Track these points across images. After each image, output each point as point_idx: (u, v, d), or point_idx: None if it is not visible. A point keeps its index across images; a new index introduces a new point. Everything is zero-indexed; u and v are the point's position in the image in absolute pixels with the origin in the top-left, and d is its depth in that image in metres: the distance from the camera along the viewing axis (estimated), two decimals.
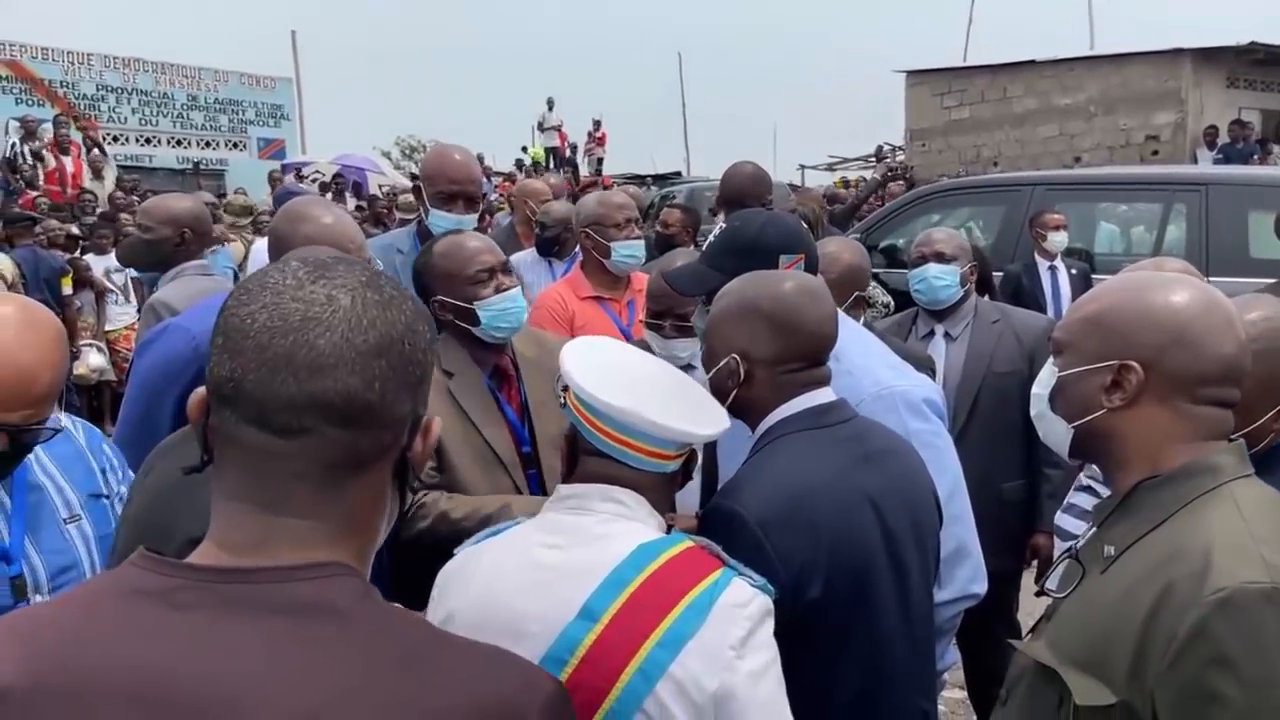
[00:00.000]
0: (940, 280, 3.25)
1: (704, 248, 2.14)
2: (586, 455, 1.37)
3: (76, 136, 13.76)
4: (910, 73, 19.00)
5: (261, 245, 7.99)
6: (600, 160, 22.03)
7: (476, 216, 3.09)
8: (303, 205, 2.30)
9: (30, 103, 16.03)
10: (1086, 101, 16.60)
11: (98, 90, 17.62)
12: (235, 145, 19.37)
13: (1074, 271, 5.72)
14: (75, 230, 8.57)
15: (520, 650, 0.94)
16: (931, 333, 3.30)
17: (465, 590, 1.32)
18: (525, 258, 4.38)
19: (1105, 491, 1.43)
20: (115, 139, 17.14)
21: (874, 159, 20.19)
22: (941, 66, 19.09)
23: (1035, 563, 3.23)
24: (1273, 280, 3.64)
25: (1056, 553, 2.55)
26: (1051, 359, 1.41)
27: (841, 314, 2.15)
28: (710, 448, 2.12)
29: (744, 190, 3.40)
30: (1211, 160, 13.61)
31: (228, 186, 15.78)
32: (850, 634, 1.57)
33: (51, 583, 1.68)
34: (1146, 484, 1.28)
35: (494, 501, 2.10)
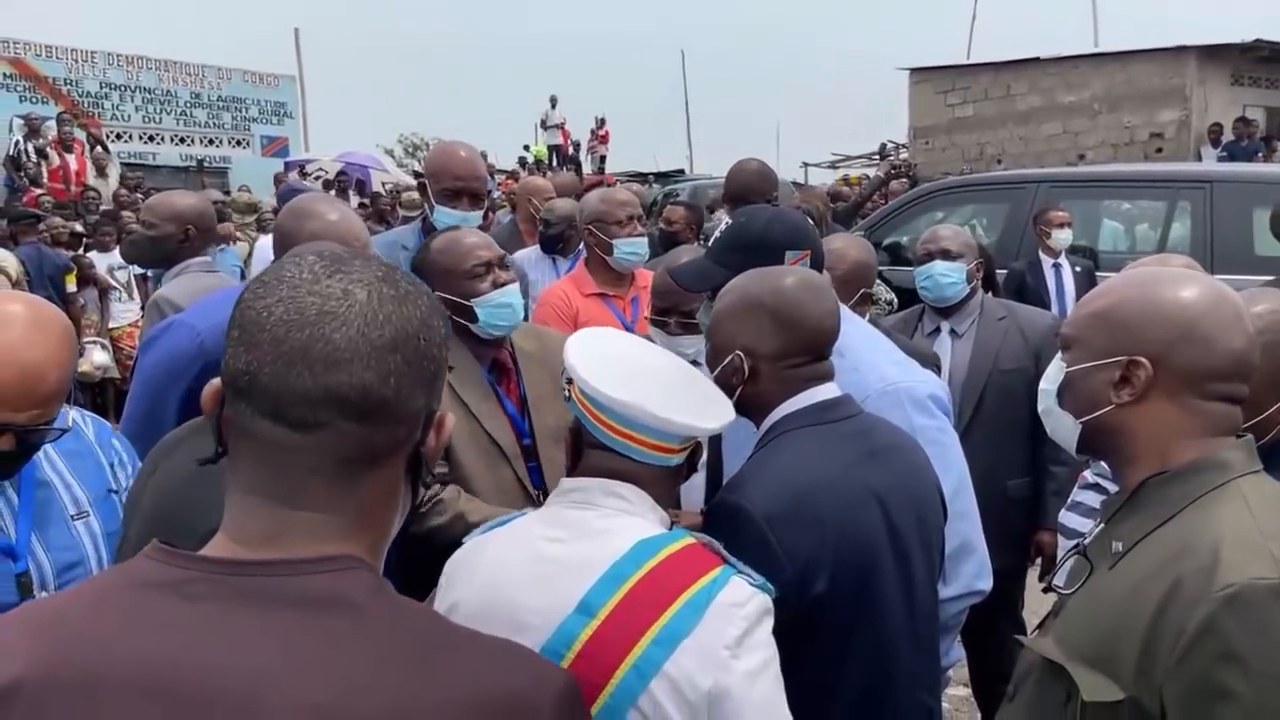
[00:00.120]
0: (946, 277, 3.24)
1: (710, 243, 2.13)
2: (590, 448, 1.37)
3: (80, 134, 13.77)
4: (914, 70, 18.98)
5: (265, 243, 8.01)
6: (603, 158, 22.04)
7: (482, 213, 3.09)
8: (309, 202, 2.31)
9: (34, 100, 16.04)
10: (1090, 99, 16.58)
11: (101, 88, 17.62)
12: (238, 143, 19.37)
13: (1078, 269, 5.72)
14: (79, 228, 8.59)
15: (521, 642, 0.95)
16: (937, 329, 3.30)
17: (470, 580, 1.33)
18: (529, 255, 4.39)
19: (1113, 488, 1.42)
20: (119, 136, 17.13)
21: (877, 157, 20.18)
22: (945, 64, 19.08)
23: (1039, 560, 3.23)
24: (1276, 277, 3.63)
25: (1060, 550, 2.54)
26: (1059, 354, 1.41)
27: (848, 311, 2.15)
28: (715, 444, 2.12)
29: (749, 187, 3.39)
30: (1216, 158, 13.59)
31: (231, 184, 15.77)
32: (855, 630, 1.56)
33: (57, 579, 1.68)
34: (1155, 480, 1.28)
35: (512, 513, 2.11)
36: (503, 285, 2.25)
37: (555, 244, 4.35)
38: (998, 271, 5.14)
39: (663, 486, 1.39)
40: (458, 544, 1.43)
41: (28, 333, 1.57)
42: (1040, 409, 1.45)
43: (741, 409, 1.64)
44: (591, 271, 3.51)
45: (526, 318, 2.78)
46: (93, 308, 7.81)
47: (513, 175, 15.44)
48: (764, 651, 1.25)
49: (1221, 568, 1.13)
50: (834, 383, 1.69)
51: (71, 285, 7.51)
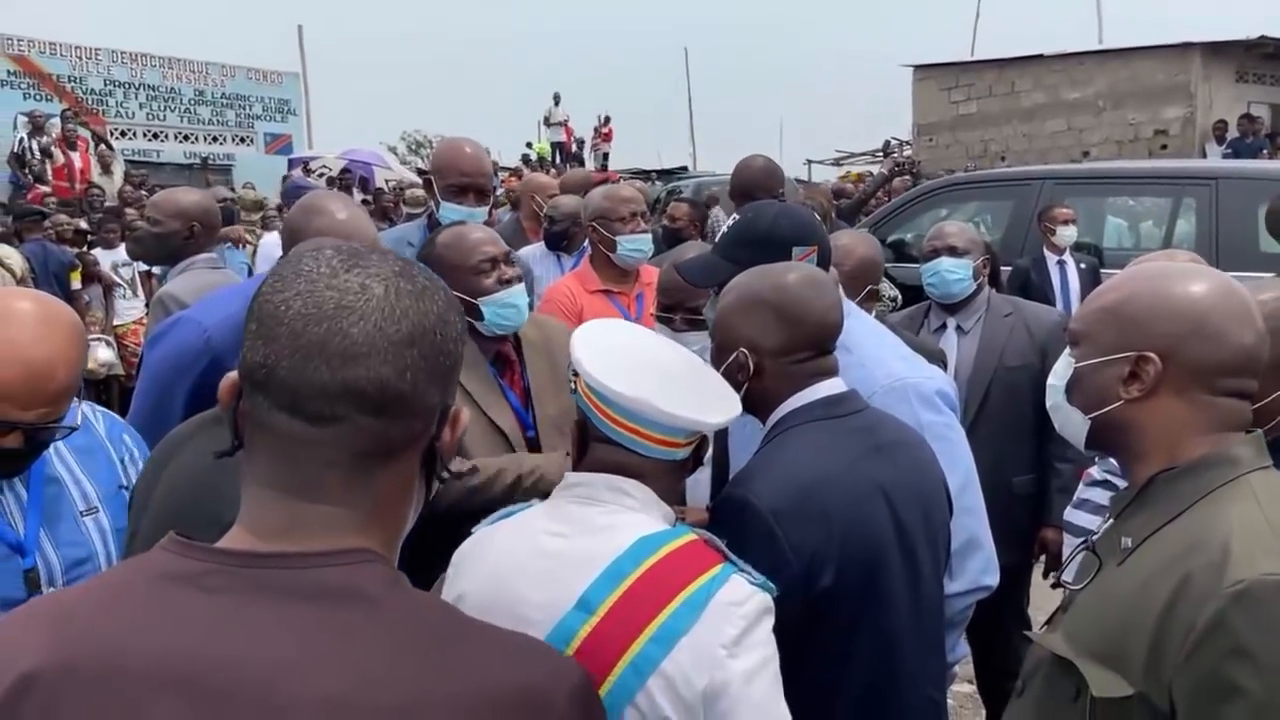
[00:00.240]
0: (953, 274, 3.24)
1: (716, 239, 2.14)
2: (596, 442, 1.37)
3: (84, 132, 13.78)
4: (917, 67, 18.96)
5: (269, 240, 8.01)
6: (606, 156, 22.04)
7: (487, 209, 3.10)
8: (318, 198, 2.31)
9: (38, 98, 16.05)
10: (1095, 96, 16.56)
11: (105, 85, 17.63)
12: (242, 140, 19.38)
13: (1083, 266, 5.71)
14: (84, 225, 8.61)
15: None
16: (943, 326, 3.30)
17: (476, 572, 1.33)
18: (534, 252, 4.38)
19: (1123, 484, 1.42)
20: (123, 134, 17.13)
21: (881, 154, 20.16)
22: (949, 61, 19.05)
23: (1044, 557, 3.23)
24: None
25: (1066, 547, 2.54)
26: (1068, 350, 1.40)
27: (855, 307, 2.15)
28: (721, 440, 2.12)
29: (755, 183, 3.39)
30: (1220, 155, 13.56)
31: (235, 181, 15.79)
32: (861, 625, 1.57)
33: (66, 575, 1.68)
34: (1164, 476, 1.27)
35: (528, 462, 2.16)
36: (508, 281, 2.25)
37: (560, 241, 4.35)
38: (1002, 268, 5.16)
39: (668, 481, 1.39)
40: (474, 517, 1.43)
41: (36, 330, 1.57)
42: (1049, 404, 1.44)
43: (747, 406, 1.64)
44: (596, 268, 3.51)
45: None
46: (97, 305, 7.82)
47: (516, 172, 15.45)
48: (762, 651, 1.25)
49: (1231, 563, 1.13)
50: (839, 378, 1.70)
51: (76, 282, 7.52)
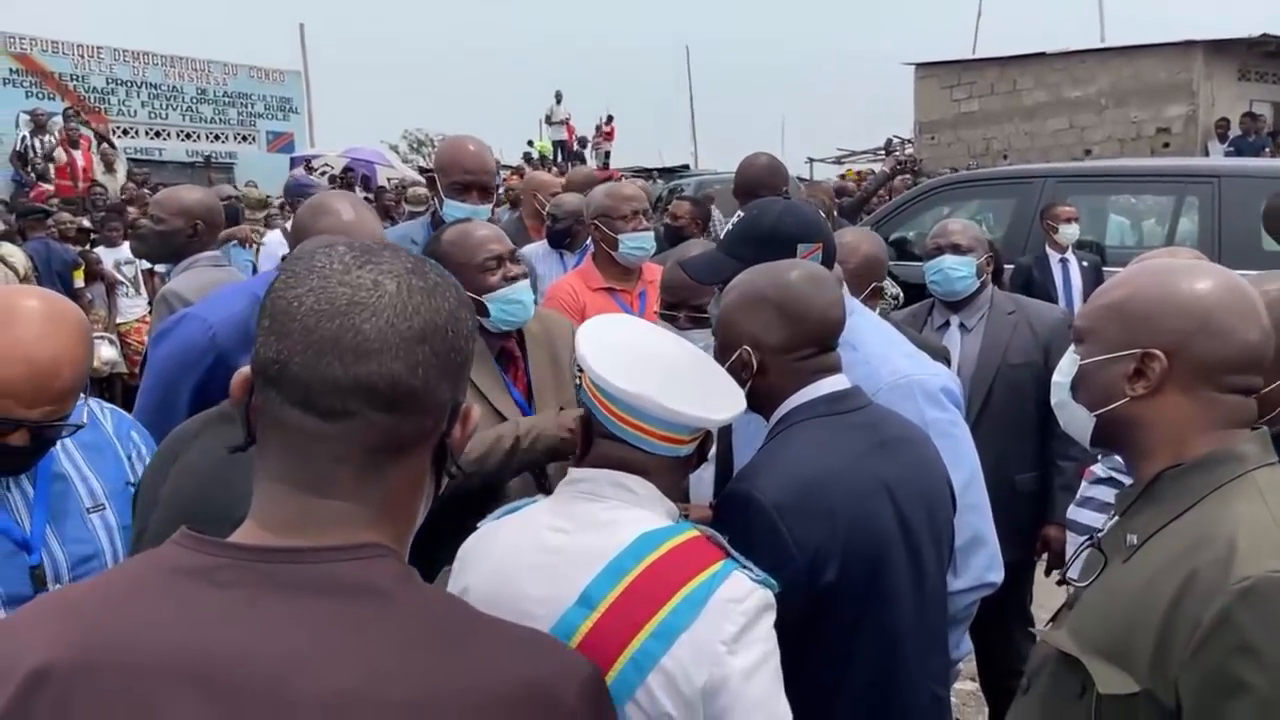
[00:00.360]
0: (956, 271, 3.24)
1: (721, 236, 2.14)
2: (600, 438, 1.37)
3: (87, 130, 13.79)
4: (919, 65, 18.96)
5: (272, 239, 8.00)
6: (607, 154, 22.04)
7: (490, 207, 3.10)
8: (328, 198, 2.31)
9: (40, 96, 16.06)
10: (1097, 94, 16.55)
11: (107, 83, 17.63)
12: (244, 138, 19.39)
13: (1085, 264, 5.70)
14: (86, 223, 8.61)
15: None
16: (946, 324, 3.30)
17: (480, 567, 1.34)
18: (537, 250, 4.39)
19: (1128, 481, 1.42)
20: (125, 132, 17.14)
21: (883, 152, 20.14)
22: (951, 59, 19.05)
23: (1046, 555, 3.23)
24: None
25: (1069, 546, 2.54)
26: (1073, 347, 1.40)
27: (859, 304, 2.15)
28: (725, 437, 2.12)
29: (759, 181, 3.40)
30: (1223, 153, 13.55)
31: (237, 180, 15.79)
32: (864, 621, 1.57)
33: (72, 572, 1.68)
34: (1170, 472, 1.27)
35: (523, 424, 2.19)
36: (513, 278, 2.26)
37: (562, 239, 4.36)
38: (1005, 266, 5.16)
39: (671, 477, 1.39)
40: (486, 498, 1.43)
41: (42, 328, 1.57)
42: (1054, 402, 1.44)
43: (751, 403, 1.64)
44: (599, 266, 3.52)
45: None
46: (100, 303, 7.82)
47: (518, 171, 15.44)
48: (762, 647, 1.25)
49: (1237, 560, 1.13)
50: (842, 374, 1.70)
51: (79, 280, 7.53)
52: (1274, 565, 1.12)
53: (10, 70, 16.31)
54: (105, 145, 13.51)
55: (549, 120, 21.94)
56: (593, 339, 1.38)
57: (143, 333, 7.47)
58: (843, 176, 15.61)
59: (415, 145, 29.35)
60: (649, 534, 1.28)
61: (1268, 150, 13.17)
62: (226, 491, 1.08)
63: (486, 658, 0.84)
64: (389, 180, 14.86)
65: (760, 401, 1.67)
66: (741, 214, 2.08)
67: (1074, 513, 2.49)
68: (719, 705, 1.20)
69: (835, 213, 6.12)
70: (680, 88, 27.68)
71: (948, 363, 2.82)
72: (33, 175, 12.51)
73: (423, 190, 9.53)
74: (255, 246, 7.95)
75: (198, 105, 18.74)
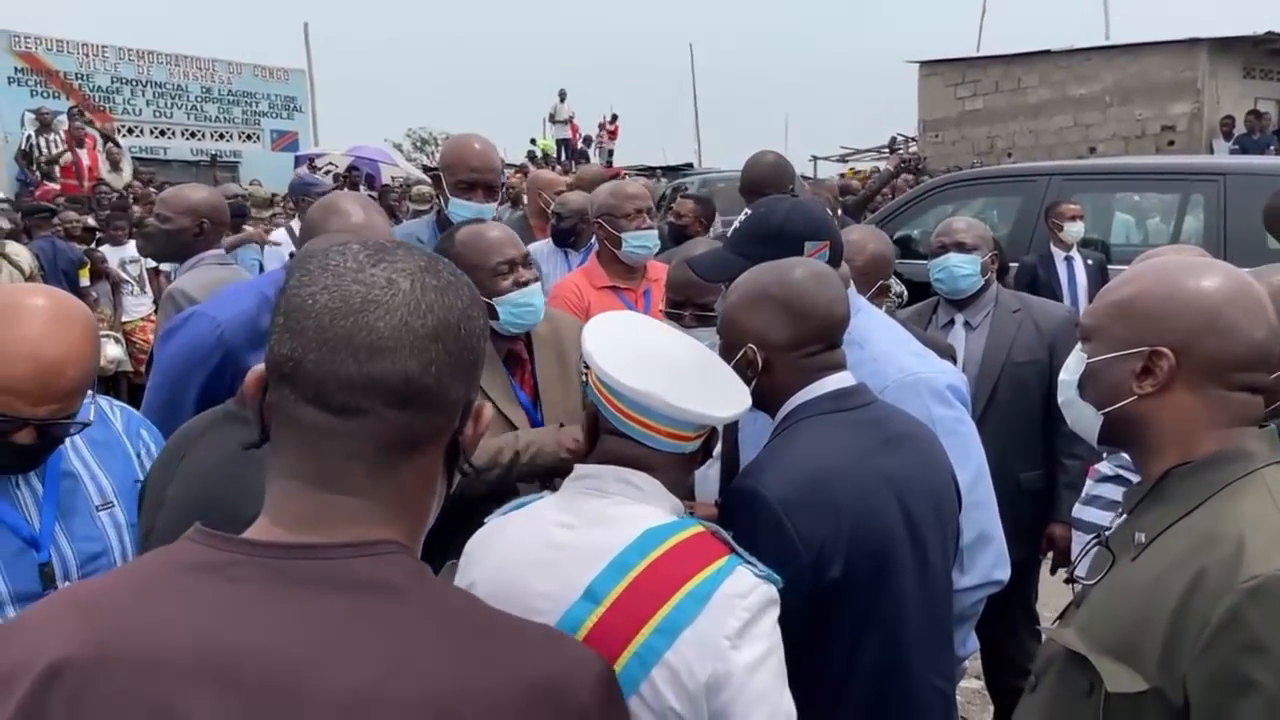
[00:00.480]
0: (961, 269, 3.24)
1: (728, 233, 2.14)
2: (606, 434, 1.38)
3: (92, 130, 13.80)
4: (923, 63, 18.93)
5: (277, 237, 8.00)
6: (611, 153, 22.03)
7: (495, 205, 3.10)
8: (339, 198, 2.32)
9: (45, 95, 16.08)
10: (1102, 92, 16.52)
11: (112, 82, 17.66)
12: (249, 137, 19.41)
13: (1090, 262, 5.69)
14: (92, 221, 8.61)
15: None
16: (951, 322, 3.30)
17: (486, 562, 1.34)
18: (542, 248, 4.39)
19: (1135, 479, 1.42)
20: (130, 131, 17.17)
21: (887, 150, 20.10)
22: (955, 57, 19.03)
23: (1051, 553, 3.22)
24: None
25: (1075, 544, 2.54)
26: (1080, 345, 1.40)
27: (866, 302, 2.16)
28: (731, 435, 2.13)
29: (765, 180, 3.39)
30: (1228, 151, 13.51)
31: (241, 178, 15.79)
32: (869, 615, 1.57)
33: (80, 570, 1.68)
34: (1178, 471, 1.27)
35: (523, 438, 2.20)
36: (525, 283, 2.25)
37: (567, 237, 4.36)
38: (1010, 265, 5.15)
39: (676, 473, 1.40)
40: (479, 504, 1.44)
41: (47, 327, 1.57)
42: (1061, 400, 1.44)
43: (757, 401, 1.64)
44: (603, 264, 3.51)
45: None
46: (106, 302, 7.83)
47: (521, 169, 15.44)
48: (765, 642, 1.25)
49: (1246, 559, 1.13)
50: (848, 371, 1.70)
51: (85, 279, 7.53)
52: None
53: (15, 69, 16.34)
54: (110, 144, 13.53)
55: (553, 119, 21.94)
56: (599, 336, 1.38)
57: (148, 331, 7.48)
58: (843, 176, 15.59)
59: (419, 144, 29.35)
60: (654, 530, 1.29)
61: (1273, 148, 13.12)
62: (234, 492, 1.09)
63: (500, 654, 0.85)
64: (393, 179, 14.87)
65: (765, 399, 1.68)
66: (749, 212, 2.08)
67: (1079, 511, 2.49)
68: (722, 700, 1.21)
69: (839, 211, 6.12)
70: (684, 86, 27.69)
71: (953, 361, 2.82)
72: (38, 174, 12.53)
73: (427, 189, 9.54)
74: (262, 245, 7.95)
75: (202, 104, 18.77)
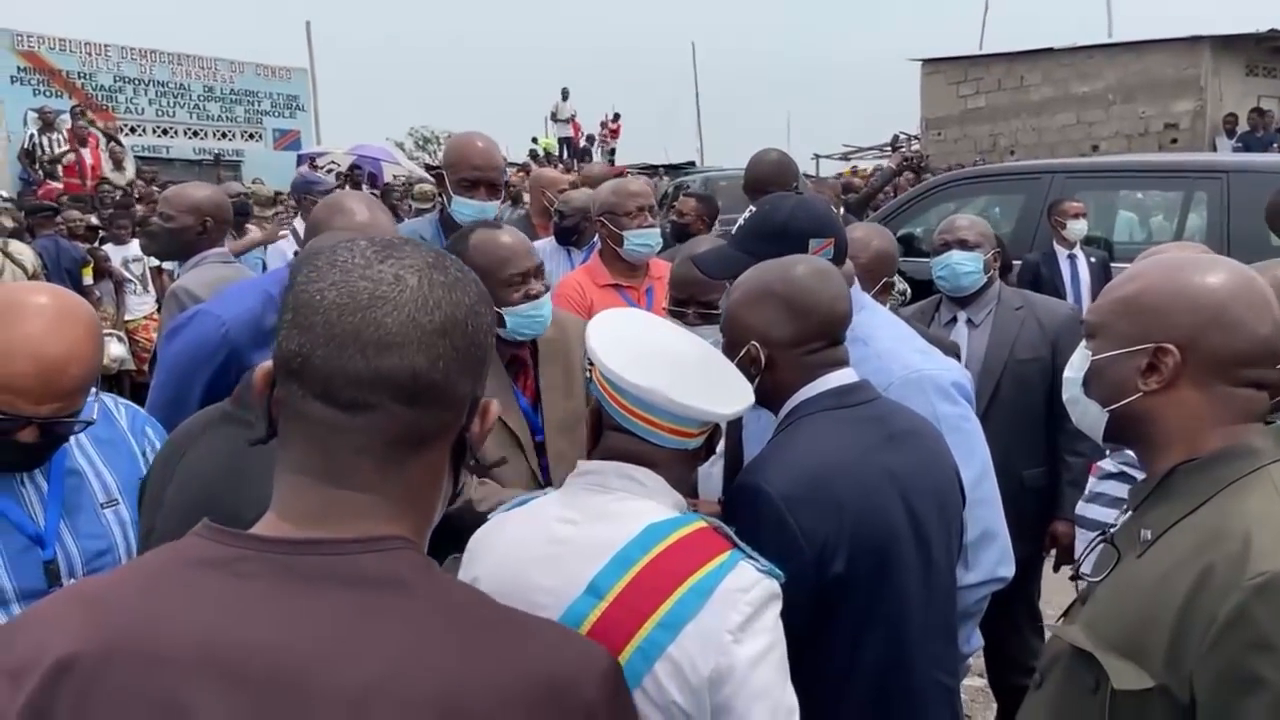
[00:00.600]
0: (963, 267, 3.24)
1: (733, 231, 2.14)
2: (610, 430, 1.38)
3: (95, 128, 13.81)
4: (926, 61, 18.93)
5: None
6: (613, 151, 22.03)
7: (498, 203, 3.10)
8: (344, 197, 2.32)
9: (48, 94, 16.08)
10: (1105, 90, 16.51)
11: (115, 81, 17.66)
12: (251, 136, 19.41)
13: (1093, 260, 5.68)
14: (95, 220, 8.62)
15: None
16: (954, 319, 3.30)
17: (489, 558, 1.35)
18: (544, 246, 4.39)
19: (1140, 475, 1.42)
20: (132, 130, 17.17)
21: (889, 148, 20.09)
22: (957, 55, 19.02)
23: (1054, 550, 3.22)
24: None
25: (1079, 542, 2.54)
26: (1084, 342, 1.40)
27: (870, 299, 2.16)
28: (735, 433, 2.13)
29: (769, 177, 3.39)
30: (1231, 148, 13.49)
31: (244, 177, 15.80)
32: (872, 611, 1.57)
33: (86, 567, 1.68)
34: (1183, 467, 1.27)
35: (516, 495, 2.12)
36: (535, 295, 2.22)
37: (570, 235, 4.36)
38: (1013, 263, 5.15)
39: (679, 470, 1.40)
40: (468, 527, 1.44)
41: (50, 326, 1.57)
42: (1065, 397, 1.44)
43: (760, 398, 1.64)
44: (606, 262, 3.51)
45: None
46: (109, 300, 7.83)
47: (523, 168, 15.44)
48: (767, 637, 1.25)
49: (1253, 555, 1.12)
50: (850, 368, 1.70)
51: (88, 278, 7.54)
52: None
53: (18, 68, 16.33)
54: (113, 143, 13.54)
55: (555, 117, 21.94)
56: (602, 333, 1.38)
57: (151, 330, 7.48)
58: (841, 175, 15.59)
59: (421, 142, 29.38)
60: (656, 525, 1.29)
61: (1276, 146, 13.10)
62: (233, 492, 1.09)
63: (507, 650, 0.85)
64: (395, 177, 14.87)
65: (769, 396, 1.68)
66: (754, 209, 2.08)
67: (1083, 508, 2.49)
68: (725, 694, 1.21)
69: (842, 209, 6.12)
70: (686, 84, 27.69)
71: (957, 358, 2.82)
72: (41, 173, 12.54)
73: (429, 187, 9.55)
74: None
75: (205, 103, 18.76)
